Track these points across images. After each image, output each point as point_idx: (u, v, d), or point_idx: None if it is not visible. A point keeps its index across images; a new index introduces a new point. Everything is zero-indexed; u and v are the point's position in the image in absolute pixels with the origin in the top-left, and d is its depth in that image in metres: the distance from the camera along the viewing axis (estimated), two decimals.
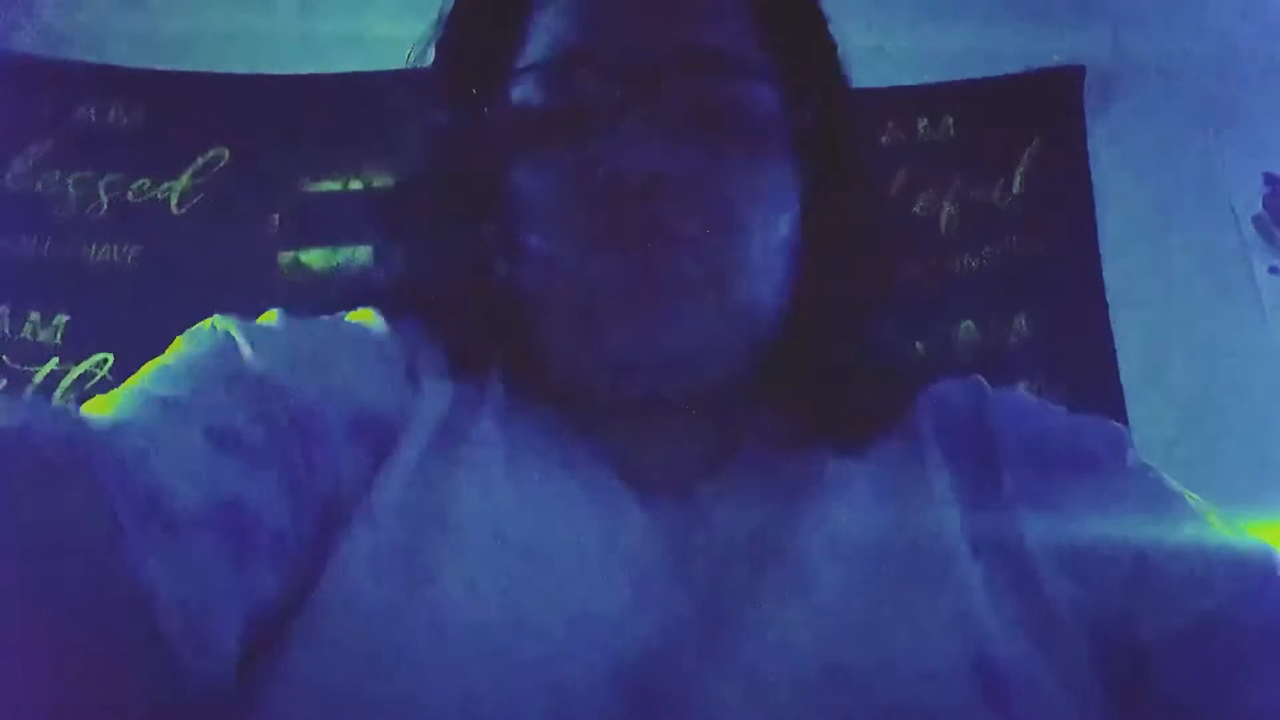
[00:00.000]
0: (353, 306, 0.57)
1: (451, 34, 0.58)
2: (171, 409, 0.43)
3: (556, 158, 0.52)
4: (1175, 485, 0.55)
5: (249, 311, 0.52)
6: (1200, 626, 0.49)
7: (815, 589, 0.49)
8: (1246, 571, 0.51)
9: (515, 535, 0.48)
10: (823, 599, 0.48)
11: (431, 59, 0.58)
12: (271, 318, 0.52)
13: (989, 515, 0.52)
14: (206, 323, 0.50)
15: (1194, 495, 0.54)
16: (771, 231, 0.53)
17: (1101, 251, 1.73)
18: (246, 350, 0.48)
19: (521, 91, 0.54)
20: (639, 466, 0.53)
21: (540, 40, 0.54)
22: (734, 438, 0.56)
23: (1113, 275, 1.72)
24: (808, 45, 0.57)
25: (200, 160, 1.76)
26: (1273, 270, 1.72)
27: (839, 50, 0.59)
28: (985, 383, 0.59)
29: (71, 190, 1.74)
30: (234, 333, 0.49)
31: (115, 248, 1.72)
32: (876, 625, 0.48)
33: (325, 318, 0.55)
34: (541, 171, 0.53)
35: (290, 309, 0.53)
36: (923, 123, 1.81)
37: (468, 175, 0.55)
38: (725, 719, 0.45)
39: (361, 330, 0.54)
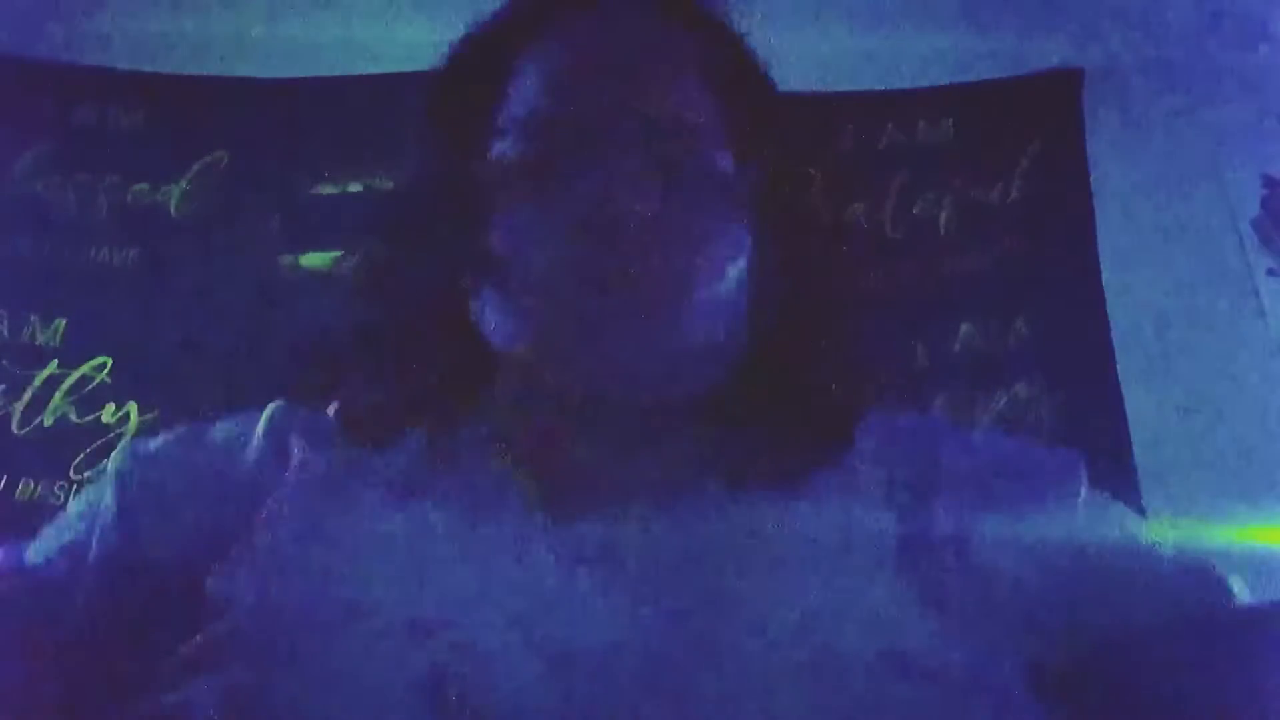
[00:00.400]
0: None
1: (441, 94, 0.65)
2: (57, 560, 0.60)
3: (538, 196, 0.56)
4: (1126, 508, 0.59)
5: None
6: (1147, 637, 0.53)
7: (782, 591, 0.52)
8: (1193, 587, 0.55)
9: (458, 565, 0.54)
10: (791, 599, 0.52)
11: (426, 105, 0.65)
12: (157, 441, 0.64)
13: (929, 526, 0.56)
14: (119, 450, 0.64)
15: (1144, 516, 0.59)
16: (732, 269, 0.58)
17: (1100, 253, 1.73)
18: (111, 494, 0.61)
19: (502, 146, 0.59)
20: (578, 494, 0.57)
21: (518, 102, 0.59)
22: (714, 449, 0.59)
23: (1112, 277, 1.72)
24: (757, 109, 0.63)
25: (200, 163, 1.76)
26: (1271, 272, 1.72)
27: (785, 107, 0.66)
28: (940, 418, 0.64)
29: (71, 193, 1.74)
30: (119, 465, 0.63)
31: (114, 251, 1.72)
32: (837, 622, 0.51)
33: (212, 427, 0.65)
34: (523, 207, 0.57)
35: (187, 428, 0.65)
36: (922, 124, 1.81)
37: (454, 205, 0.60)
38: (707, 710, 0.48)
39: (238, 439, 0.63)
